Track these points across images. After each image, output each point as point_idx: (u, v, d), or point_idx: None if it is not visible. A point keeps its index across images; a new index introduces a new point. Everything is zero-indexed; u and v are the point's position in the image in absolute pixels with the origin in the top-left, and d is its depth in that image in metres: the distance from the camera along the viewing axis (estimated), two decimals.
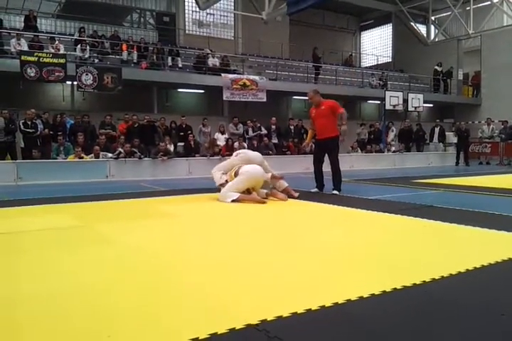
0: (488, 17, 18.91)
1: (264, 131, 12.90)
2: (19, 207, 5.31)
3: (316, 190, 6.76)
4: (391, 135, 15.19)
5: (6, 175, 8.78)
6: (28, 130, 10.02)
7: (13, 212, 5.05)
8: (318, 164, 6.82)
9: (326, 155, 6.77)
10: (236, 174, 5.76)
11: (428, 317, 1.90)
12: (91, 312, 1.98)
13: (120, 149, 10.05)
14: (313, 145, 7.28)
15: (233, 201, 5.54)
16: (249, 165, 5.86)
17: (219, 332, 1.73)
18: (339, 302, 2.04)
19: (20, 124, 10.02)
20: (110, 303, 2.10)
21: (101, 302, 2.11)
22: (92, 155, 9.90)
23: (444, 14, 21.40)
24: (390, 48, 25.18)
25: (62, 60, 11.90)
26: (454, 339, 1.72)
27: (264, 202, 5.51)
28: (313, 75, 17.82)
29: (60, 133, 10.23)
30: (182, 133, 11.86)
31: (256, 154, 6.40)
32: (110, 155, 9.97)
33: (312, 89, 6.98)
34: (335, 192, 6.52)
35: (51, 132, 10.44)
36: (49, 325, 1.86)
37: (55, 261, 2.87)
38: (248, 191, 5.75)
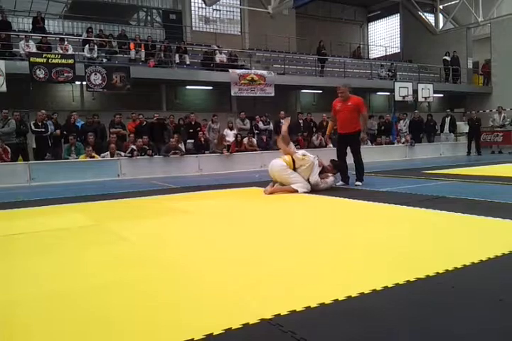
0: (497, 4, 18.64)
1: (271, 126, 12.90)
2: (33, 208, 5.37)
3: (341, 183, 6.79)
4: (403, 126, 15.05)
5: (19, 176, 8.91)
6: (38, 129, 10.11)
7: (27, 212, 5.10)
8: (342, 157, 6.88)
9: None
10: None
11: (441, 308, 1.89)
12: (107, 307, 2.01)
13: (133, 146, 10.10)
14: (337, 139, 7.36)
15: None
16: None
17: (233, 327, 1.74)
18: (352, 296, 2.04)
19: (31, 125, 10.12)
20: (125, 299, 2.12)
21: (116, 298, 2.14)
22: (107, 153, 9.95)
23: (453, 2, 21.13)
24: (398, 39, 24.94)
25: (70, 61, 11.99)
26: (470, 330, 1.71)
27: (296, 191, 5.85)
28: (320, 68, 17.73)
29: (74, 134, 10.29)
30: (191, 130, 11.90)
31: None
32: (123, 154, 10.02)
33: (344, 83, 7.02)
34: (358, 183, 6.69)
35: (65, 132, 10.50)
36: (62, 322, 1.88)
37: (70, 260, 2.91)
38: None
